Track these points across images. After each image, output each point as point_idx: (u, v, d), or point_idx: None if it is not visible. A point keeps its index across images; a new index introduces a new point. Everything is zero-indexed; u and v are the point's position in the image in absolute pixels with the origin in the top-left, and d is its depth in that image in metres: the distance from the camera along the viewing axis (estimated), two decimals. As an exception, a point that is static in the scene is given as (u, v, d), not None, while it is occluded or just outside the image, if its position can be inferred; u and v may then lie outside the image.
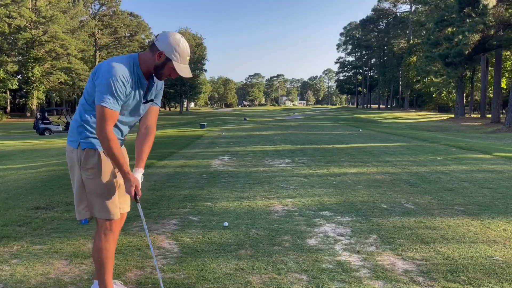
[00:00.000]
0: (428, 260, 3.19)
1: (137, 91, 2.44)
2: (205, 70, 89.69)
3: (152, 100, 2.59)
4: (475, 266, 3.07)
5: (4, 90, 49.85)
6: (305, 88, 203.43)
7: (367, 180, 6.48)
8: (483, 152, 10.06)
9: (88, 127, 2.42)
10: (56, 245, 3.59)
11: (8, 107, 59.45)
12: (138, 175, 2.49)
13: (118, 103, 2.32)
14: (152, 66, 2.42)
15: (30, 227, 4.11)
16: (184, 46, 2.39)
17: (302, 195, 5.43)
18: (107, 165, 2.45)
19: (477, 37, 29.73)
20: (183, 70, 2.41)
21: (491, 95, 38.59)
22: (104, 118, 2.27)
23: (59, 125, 29.99)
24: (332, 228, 4.06)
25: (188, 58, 2.43)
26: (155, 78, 2.51)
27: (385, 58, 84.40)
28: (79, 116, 2.44)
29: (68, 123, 30.15)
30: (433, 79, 54.84)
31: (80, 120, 2.44)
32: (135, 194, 2.44)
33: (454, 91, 53.73)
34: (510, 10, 30.05)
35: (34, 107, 54.43)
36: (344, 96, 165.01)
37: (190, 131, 21.54)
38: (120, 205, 2.58)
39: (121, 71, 2.31)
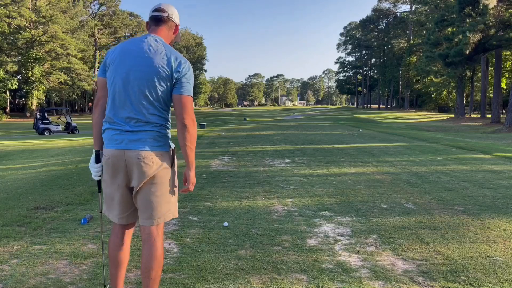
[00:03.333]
0: (428, 260, 3.19)
1: None
2: (205, 70, 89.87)
3: None
4: (475, 266, 3.07)
5: (4, 90, 49.81)
6: (305, 88, 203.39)
7: (367, 180, 6.48)
8: (483, 152, 10.05)
9: (168, 126, 2.34)
10: (56, 245, 3.58)
11: (8, 107, 59.44)
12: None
13: None
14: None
15: (30, 227, 4.10)
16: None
17: (302, 195, 5.43)
18: None
19: (477, 37, 29.74)
20: None
21: (491, 95, 38.60)
22: (192, 107, 2.28)
23: (58, 125, 29.94)
24: (332, 228, 4.05)
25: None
26: None
27: (385, 58, 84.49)
28: (163, 120, 2.28)
29: (68, 123, 30.03)
30: (433, 79, 54.94)
31: (162, 122, 2.28)
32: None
33: (454, 91, 53.78)
34: (510, 10, 30.06)
35: (34, 107, 54.39)
36: (344, 96, 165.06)
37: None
38: None
39: None
